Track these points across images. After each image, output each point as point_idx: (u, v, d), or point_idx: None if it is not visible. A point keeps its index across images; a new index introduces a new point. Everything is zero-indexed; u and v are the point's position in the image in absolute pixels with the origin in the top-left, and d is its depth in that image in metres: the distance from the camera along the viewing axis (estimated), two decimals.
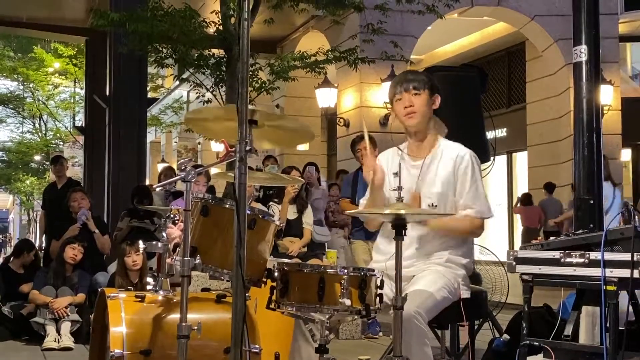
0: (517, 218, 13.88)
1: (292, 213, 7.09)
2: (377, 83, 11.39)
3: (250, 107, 2.65)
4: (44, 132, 27.70)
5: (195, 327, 2.77)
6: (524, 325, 3.55)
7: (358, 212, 3.56)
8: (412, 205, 3.25)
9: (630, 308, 3.68)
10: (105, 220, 10.05)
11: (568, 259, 3.38)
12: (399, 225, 2.88)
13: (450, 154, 3.40)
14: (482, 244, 6.72)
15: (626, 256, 3.20)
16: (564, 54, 11.42)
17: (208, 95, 10.11)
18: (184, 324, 2.75)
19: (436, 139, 3.47)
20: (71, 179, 9.53)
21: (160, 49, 9.74)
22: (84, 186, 15.03)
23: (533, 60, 13.30)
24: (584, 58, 4.68)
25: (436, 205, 3.33)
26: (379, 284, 2.88)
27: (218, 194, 7.69)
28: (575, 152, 4.70)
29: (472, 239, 3.51)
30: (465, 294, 3.34)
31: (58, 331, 6.31)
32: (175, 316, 2.92)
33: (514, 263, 3.58)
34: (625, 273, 3.19)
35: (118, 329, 3.05)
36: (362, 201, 3.56)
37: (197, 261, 2.89)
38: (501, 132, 14.18)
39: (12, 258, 7.47)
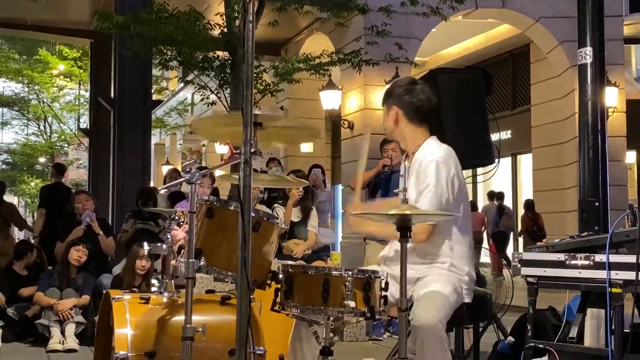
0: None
1: (296, 215, 7.09)
2: (382, 85, 11.37)
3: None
4: (48, 134, 27.77)
5: (200, 329, 2.77)
6: (529, 327, 3.54)
7: (363, 214, 3.56)
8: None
9: (636, 310, 3.68)
10: (109, 222, 10.07)
11: (573, 261, 3.38)
12: (404, 227, 2.88)
13: (419, 159, 3.40)
14: (487, 246, 6.72)
15: (631, 258, 3.20)
16: (569, 56, 11.40)
17: (212, 97, 10.13)
18: (188, 325, 2.75)
19: (418, 145, 3.47)
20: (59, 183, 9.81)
21: (165, 51, 9.77)
22: (88, 188, 15.11)
23: (538, 62, 13.28)
24: (588, 60, 4.67)
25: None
26: (383, 285, 2.88)
27: (222, 197, 7.70)
28: (580, 155, 4.70)
29: (470, 248, 3.46)
30: (468, 298, 3.34)
31: (62, 333, 6.32)
32: (180, 318, 2.92)
33: (519, 265, 3.58)
34: (630, 275, 3.18)
35: (123, 331, 3.06)
36: None
37: (202, 263, 2.89)
38: (506, 134, 14.18)
39: (14, 261, 7.46)
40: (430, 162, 3.31)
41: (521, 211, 13.88)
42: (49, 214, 9.01)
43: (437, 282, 3.24)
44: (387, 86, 3.66)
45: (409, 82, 3.63)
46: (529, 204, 12.62)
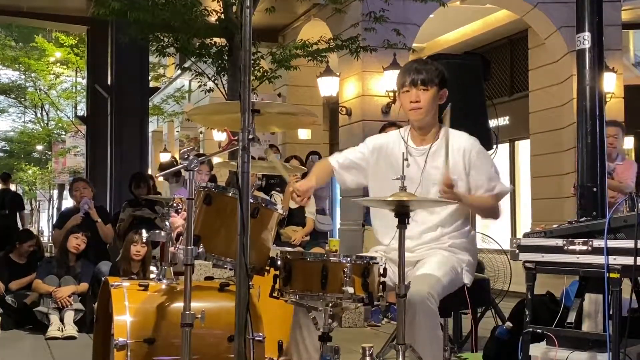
0: (520, 205, 13.87)
1: (294, 202, 7.09)
2: (379, 71, 11.35)
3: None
4: (46, 121, 27.70)
5: (199, 316, 2.77)
6: (527, 312, 3.55)
7: (360, 200, 3.56)
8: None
9: (634, 295, 3.69)
10: (107, 209, 10.09)
11: (571, 247, 3.38)
12: (402, 213, 2.88)
13: (457, 143, 3.40)
14: (485, 232, 6.72)
15: (629, 244, 3.20)
16: (567, 42, 11.37)
17: (210, 84, 10.10)
18: (187, 312, 2.75)
19: (440, 128, 3.47)
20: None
21: (162, 38, 9.73)
22: (86, 176, 15.11)
23: (536, 47, 13.24)
24: (587, 45, 4.65)
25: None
26: (381, 271, 2.88)
27: (220, 184, 7.70)
28: (578, 140, 4.69)
29: (471, 225, 3.52)
30: (467, 279, 3.36)
31: (61, 320, 6.33)
32: (178, 305, 2.92)
33: (517, 251, 3.58)
34: (628, 260, 3.18)
35: (122, 318, 3.06)
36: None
37: (201, 250, 2.89)
38: (504, 120, 14.14)
39: (12, 249, 7.50)
40: (479, 148, 3.44)
41: (519, 198, 13.89)
42: None
43: (431, 264, 3.28)
44: (425, 66, 3.44)
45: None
46: None
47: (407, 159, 3.20)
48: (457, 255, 3.37)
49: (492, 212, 3.52)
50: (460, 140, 3.43)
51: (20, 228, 11.30)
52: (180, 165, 2.92)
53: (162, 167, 9.57)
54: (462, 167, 3.39)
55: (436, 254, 3.34)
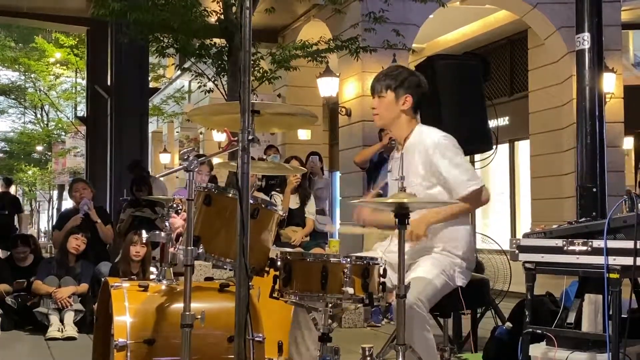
0: (520, 205, 13.88)
1: (294, 203, 7.10)
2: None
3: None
4: (45, 122, 27.73)
5: (199, 316, 2.77)
6: (527, 313, 3.55)
7: (360, 202, 3.56)
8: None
9: (633, 296, 3.70)
10: (107, 210, 10.09)
11: (571, 247, 3.38)
12: (402, 215, 2.88)
13: (423, 143, 3.41)
14: (484, 232, 6.72)
15: (629, 244, 3.20)
16: (567, 42, 11.36)
17: (210, 84, 10.11)
18: (187, 313, 2.75)
19: (410, 131, 3.48)
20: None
21: (162, 38, 9.74)
22: (85, 176, 15.12)
23: (535, 48, 13.24)
24: (586, 46, 4.65)
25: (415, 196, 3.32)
26: (381, 272, 2.89)
27: (220, 184, 7.70)
28: (578, 140, 4.69)
29: (468, 232, 3.49)
30: (460, 282, 3.36)
31: (61, 321, 6.33)
32: (178, 305, 2.92)
33: (517, 251, 3.59)
34: (628, 261, 3.19)
35: (122, 318, 3.06)
36: None
37: (200, 250, 2.89)
38: (503, 121, 14.14)
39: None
40: (438, 141, 3.36)
41: (519, 198, 13.90)
42: None
43: (423, 267, 3.29)
44: (388, 72, 3.55)
45: (414, 72, 3.62)
46: None
47: (390, 170, 3.29)
48: (450, 258, 3.36)
49: (471, 208, 3.47)
50: (425, 139, 3.42)
51: (18, 229, 11.37)
52: (181, 166, 2.92)
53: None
54: (421, 164, 3.39)
55: (429, 257, 3.35)
